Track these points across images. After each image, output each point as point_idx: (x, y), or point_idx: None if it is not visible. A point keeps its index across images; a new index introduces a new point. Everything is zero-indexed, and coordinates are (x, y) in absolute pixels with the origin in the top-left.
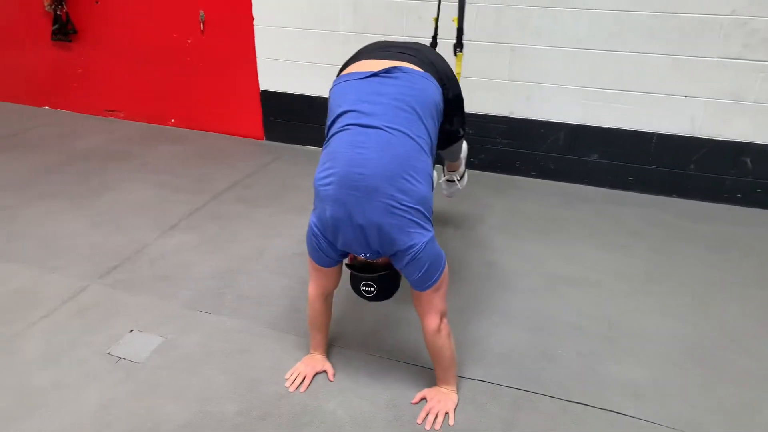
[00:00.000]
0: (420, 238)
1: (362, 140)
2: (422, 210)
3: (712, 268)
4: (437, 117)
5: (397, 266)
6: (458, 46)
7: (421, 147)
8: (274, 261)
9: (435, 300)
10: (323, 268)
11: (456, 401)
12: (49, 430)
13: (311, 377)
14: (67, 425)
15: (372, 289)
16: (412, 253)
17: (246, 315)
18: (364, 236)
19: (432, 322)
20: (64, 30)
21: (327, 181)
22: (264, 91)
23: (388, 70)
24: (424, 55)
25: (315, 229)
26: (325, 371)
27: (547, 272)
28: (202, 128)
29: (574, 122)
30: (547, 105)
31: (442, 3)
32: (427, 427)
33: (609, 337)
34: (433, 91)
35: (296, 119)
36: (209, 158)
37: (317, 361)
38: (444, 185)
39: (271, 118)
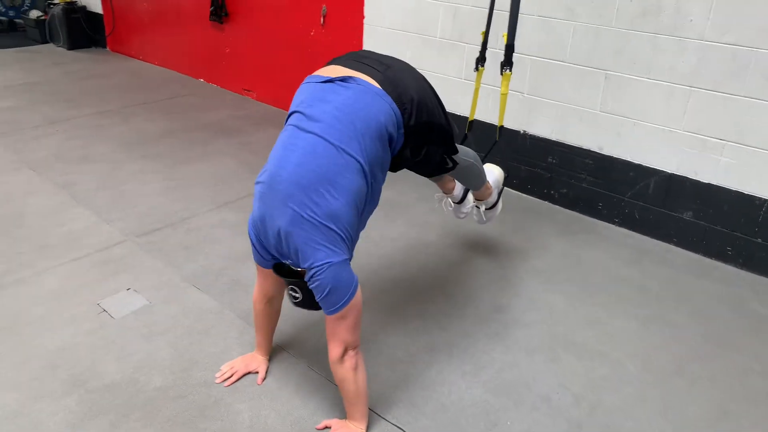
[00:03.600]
0: (322, 257)
1: (293, 143)
2: (334, 228)
3: None
4: (381, 139)
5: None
6: (506, 64)
7: (349, 164)
8: None
9: (339, 329)
10: (261, 267)
11: None
12: (6, 358)
13: (241, 374)
14: (23, 357)
15: (297, 294)
16: (312, 272)
17: (227, 300)
18: (279, 241)
19: (334, 350)
20: (218, 12)
21: (260, 179)
22: None
23: (343, 79)
24: (393, 73)
25: (250, 226)
26: (257, 372)
27: (559, 333)
28: None
29: (669, 170)
30: (639, 145)
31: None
32: None
33: (579, 425)
34: (380, 110)
35: None
36: None
37: (255, 360)
38: (474, 212)
39: None
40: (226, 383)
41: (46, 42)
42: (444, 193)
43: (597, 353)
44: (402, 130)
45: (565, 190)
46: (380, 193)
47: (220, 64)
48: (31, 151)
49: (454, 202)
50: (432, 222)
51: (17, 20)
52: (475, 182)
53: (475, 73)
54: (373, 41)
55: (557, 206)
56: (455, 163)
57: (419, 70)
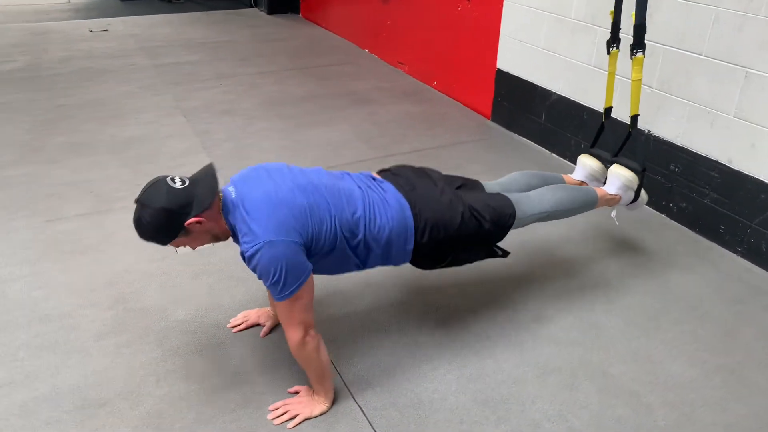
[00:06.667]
0: (268, 232)
1: (330, 175)
2: (303, 220)
3: None
4: (381, 241)
5: None
6: (636, 46)
7: (348, 220)
8: None
9: (294, 311)
10: None
11: (316, 413)
12: (83, 269)
13: (250, 324)
14: (94, 270)
15: None
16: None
17: None
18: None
19: (294, 335)
20: None
21: None
22: (499, 70)
23: (381, 182)
24: (415, 195)
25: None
26: (265, 325)
27: (593, 360)
28: (452, 95)
29: None
30: None
31: None
32: (269, 417)
33: None
34: (395, 220)
35: (518, 105)
36: (426, 124)
37: (265, 314)
38: (613, 216)
39: (499, 99)
40: (234, 329)
41: (252, 6)
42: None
43: (627, 392)
44: (410, 246)
45: (684, 205)
46: (340, 266)
47: (382, 35)
48: (191, 99)
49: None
50: None
51: None
52: (572, 215)
53: (608, 56)
54: (511, 19)
55: (673, 222)
56: (505, 252)
57: (550, 55)
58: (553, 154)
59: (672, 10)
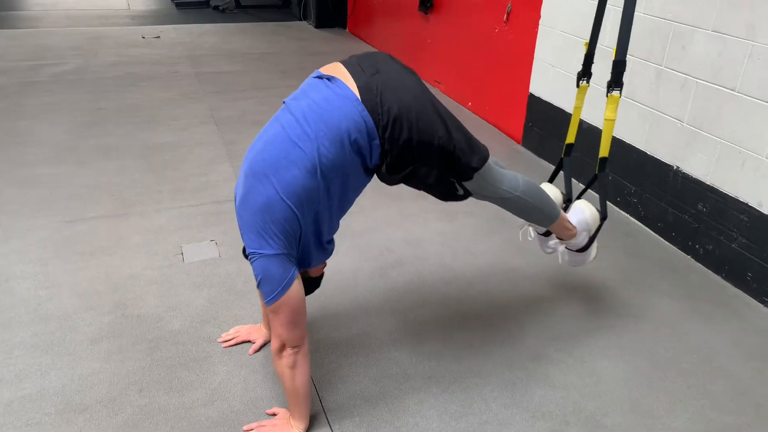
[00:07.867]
0: (255, 246)
1: (267, 129)
2: (267, 220)
3: None
4: (343, 145)
5: None
6: (614, 84)
7: (298, 161)
8: (367, 239)
9: (274, 322)
10: None
11: None
12: (90, 270)
13: (240, 340)
14: (101, 273)
15: None
16: (249, 256)
17: None
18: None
19: (273, 342)
20: (425, 3)
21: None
22: (531, 95)
23: (330, 78)
24: (378, 80)
25: None
26: (255, 342)
27: (588, 408)
28: (485, 117)
29: None
30: None
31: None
32: None
33: None
34: (345, 116)
35: (549, 132)
36: None
37: (257, 331)
38: (560, 251)
39: (530, 124)
40: (224, 345)
41: (302, 19)
42: (558, 238)
43: None
44: (377, 141)
45: (711, 247)
46: (348, 202)
47: (422, 53)
48: (225, 109)
49: (538, 232)
50: (531, 248)
51: None
52: (531, 217)
53: (577, 90)
54: (545, 43)
55: (699, 264)
56: (467, 192)
57: None
58: (581, 184)
59: (706, 42)
